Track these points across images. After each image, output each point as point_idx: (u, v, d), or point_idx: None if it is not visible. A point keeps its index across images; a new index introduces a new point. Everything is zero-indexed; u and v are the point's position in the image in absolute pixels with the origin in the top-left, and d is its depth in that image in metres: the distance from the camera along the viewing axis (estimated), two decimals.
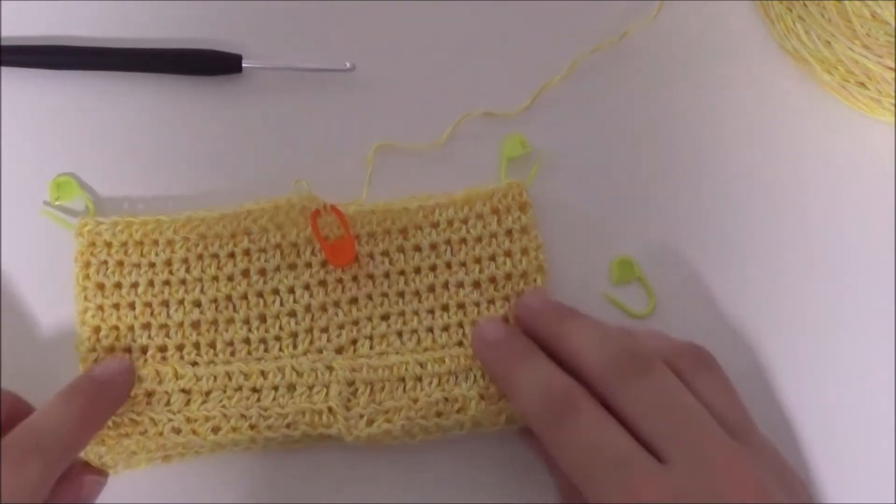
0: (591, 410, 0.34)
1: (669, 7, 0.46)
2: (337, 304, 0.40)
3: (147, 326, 0.39)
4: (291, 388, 0.38)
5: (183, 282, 0.39)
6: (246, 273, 0.40)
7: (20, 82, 0.43)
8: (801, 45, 0.44)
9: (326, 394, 0.37)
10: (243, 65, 0.43)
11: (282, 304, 0.39)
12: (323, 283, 0.40)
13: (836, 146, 0.44)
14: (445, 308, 0.40)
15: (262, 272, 0.40)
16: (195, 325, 0.39)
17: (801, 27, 0.44)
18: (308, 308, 0.39)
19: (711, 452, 0.32)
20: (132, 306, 0.39)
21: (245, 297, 0.39)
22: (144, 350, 0.39)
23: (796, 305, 0.42)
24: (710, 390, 0.35)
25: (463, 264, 0.40)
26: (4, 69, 0.43)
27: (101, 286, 0.39)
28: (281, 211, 0.40)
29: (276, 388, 0.38)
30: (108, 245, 0.40)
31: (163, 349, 0.39)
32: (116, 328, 0.39)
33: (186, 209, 0.41)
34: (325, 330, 0.39)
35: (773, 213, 0.43)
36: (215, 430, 0.37)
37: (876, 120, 0.45)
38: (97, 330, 0.39)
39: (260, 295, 0.40)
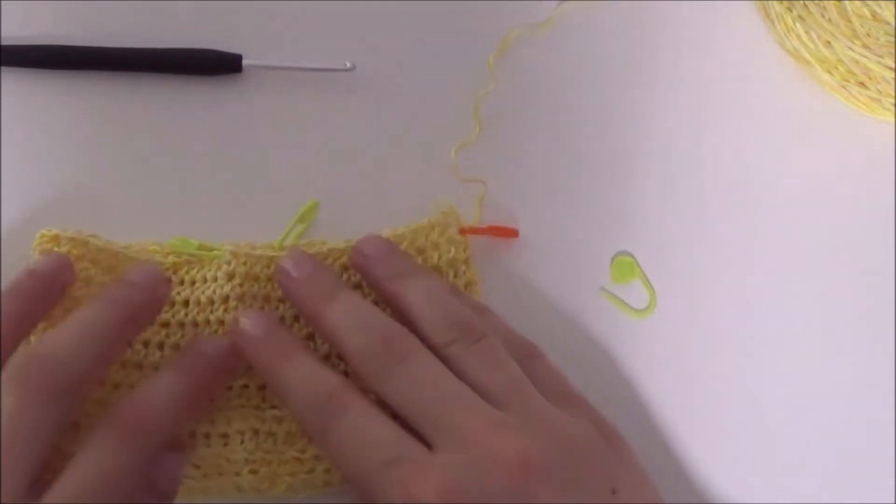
0: (356, 407, 0.33)
1: (670, 7, 0.46)
2: None
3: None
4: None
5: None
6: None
7: (20, 82, 0.43)
8: (801, 45, 0.44)
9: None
10: (243, 64, 0.43)
11: None
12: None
13: (836, 146, 0.44)
14: None
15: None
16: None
17: (801, 27, 0.44)
18: None
19: (470, 429, 0.31)
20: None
21: None
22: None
23: (797, 305, 0.42)
24: (475, 364, 0.34)
25: None
26: (4, 69, 0.43)
27: None
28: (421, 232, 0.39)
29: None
30: None
31: None
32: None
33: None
34: None
35: (774, 213, 0.43)
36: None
37: (876, 120, 0.45)
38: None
39: None
